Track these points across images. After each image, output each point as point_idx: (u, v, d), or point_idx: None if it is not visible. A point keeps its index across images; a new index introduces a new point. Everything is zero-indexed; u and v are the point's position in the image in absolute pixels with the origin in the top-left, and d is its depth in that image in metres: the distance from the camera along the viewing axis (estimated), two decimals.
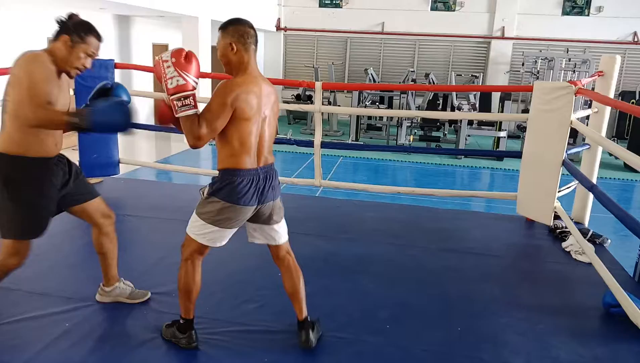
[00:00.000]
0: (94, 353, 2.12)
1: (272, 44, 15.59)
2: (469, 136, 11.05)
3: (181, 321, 2.31)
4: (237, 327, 2.48)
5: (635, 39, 13.57)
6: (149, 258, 3.23)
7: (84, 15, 2.29)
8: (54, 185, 2.25)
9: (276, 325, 2.52)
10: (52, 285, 2.79)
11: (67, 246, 3.38)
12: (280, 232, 2.35)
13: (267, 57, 15.67)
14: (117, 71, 4.69)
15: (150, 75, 10.33)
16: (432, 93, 12.09)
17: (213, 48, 10.83)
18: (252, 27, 2.13)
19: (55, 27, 2.23)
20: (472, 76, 13.13)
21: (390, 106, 12.90)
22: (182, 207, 4.03)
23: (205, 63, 10.37)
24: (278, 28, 15.29)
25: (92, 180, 4.60)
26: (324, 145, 4.56)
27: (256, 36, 2.15)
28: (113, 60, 4.65)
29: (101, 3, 8.18)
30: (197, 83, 2.00)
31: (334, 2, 15.00)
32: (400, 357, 2.34)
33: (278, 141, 6.42)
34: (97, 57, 2.31)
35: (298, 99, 13.66)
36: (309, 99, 13.30)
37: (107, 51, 10.22)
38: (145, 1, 8.02)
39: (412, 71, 13.22)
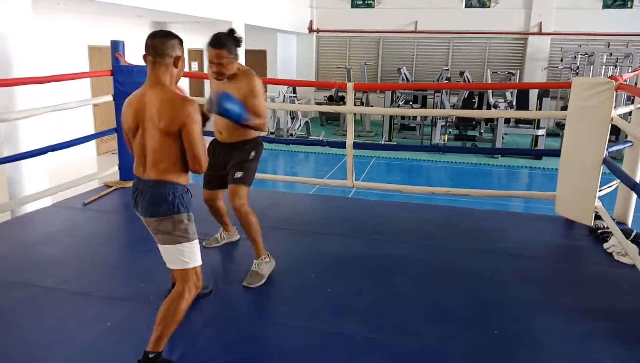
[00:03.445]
0: (135, 351, 2.17)
1: (304, 46, 15.68)
2: (506, 134, 10.84)
3: None
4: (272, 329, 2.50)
5: None
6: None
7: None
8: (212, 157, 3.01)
9: (311, 323, 2.54)
10: (93, 285, 2.88)
11: (107, 247, 3.48)
12: (163, 253, 2.19)
13: (299, 59, 15.77)
14: None
15: (186, 80, 10.55)
16: (467, 91, 11.91)
17: (247, 52, 10.96)
18: (152, 37, 2.10)
19: None
20: (508, 73, 12.87)
21: (424, 106, 12.78)
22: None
23: None
24: (310, 30, 15.37)
25: (131, 183, 4.72)
26: (356, 146, 4.55)
27: (153, 47, 2.08)
28: None
29: (139, 10, 8.40)
30: None
31: (366, 2, 14.97)
32: (435, 359, 2.31)
33: (311, 143, 6.45)
34: (216, 62, 2.75)
35: (330, 100, 13.69)
36: (342, 100, 13.30)
37: None
38: (181, 8, 8.19)
39: (446, 70, 13.08)
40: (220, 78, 2.82)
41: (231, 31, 2.79)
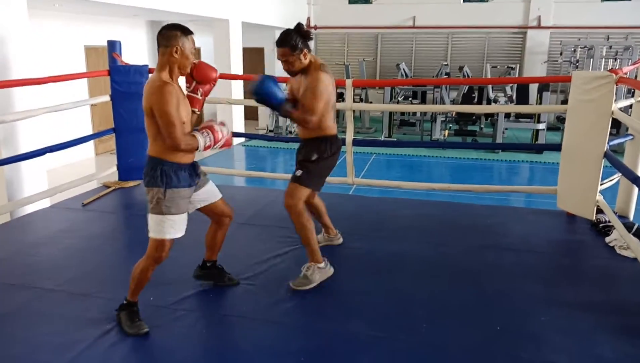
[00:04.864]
0: (135, 353, 2.16)
1: None
2: (506, 129, 10.81)
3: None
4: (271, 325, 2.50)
5: None
6: (189, 255, 3.27)
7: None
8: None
9: (313, 321, 2.52)
10: (94, 286, 2.87)
11: (107, 248, 3.47)
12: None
13: None
14: None
15: (183, 78, 10.53)
16: (467, 86, 11.87)
17: (244, 50, 10.93)
18: (160, 29, 2.34)
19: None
20: (508, 67, 12.83)
21: (423, 101, 12.73)
22: None
23: (236, 65, 10.49)
24: (308, 27, 15.32)
25: (129, 183, 4.72)
26: (356, 143, 4.53)
27: (158, 39, 2.34)
28: (147, 65, 4.73)
29: (135, 10, 8.37)
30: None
31: None
32: (437, 356, 2.30)
33: None
34: (282, 60, 2.77)
35: None
36: (340, 97, 13.26)
37: (141, 56, 10.45)
38: (177, 6, 8.16)
39: (445, 65, 13.02)
40: (291, 75, 2.84)
41: (297, 26, 2.79)
